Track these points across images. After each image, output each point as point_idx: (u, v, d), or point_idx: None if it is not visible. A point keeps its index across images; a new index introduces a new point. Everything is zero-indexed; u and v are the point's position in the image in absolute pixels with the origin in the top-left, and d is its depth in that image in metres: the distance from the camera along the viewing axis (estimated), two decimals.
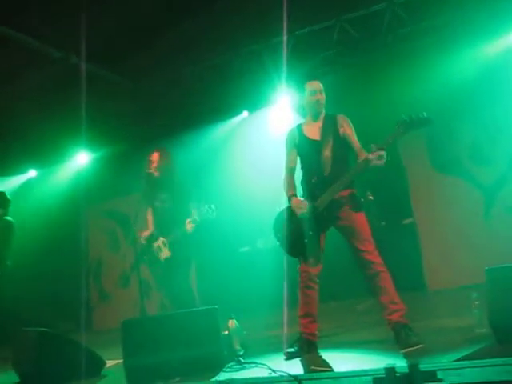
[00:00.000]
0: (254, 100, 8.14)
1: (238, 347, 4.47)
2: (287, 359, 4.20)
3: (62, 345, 4.87)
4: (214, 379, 3.90)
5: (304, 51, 7.20)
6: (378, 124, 6.00)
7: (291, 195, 4.33)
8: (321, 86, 4.42)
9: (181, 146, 7.35)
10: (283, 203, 4.45)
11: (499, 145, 6.87)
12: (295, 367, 3.85)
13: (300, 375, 3.39)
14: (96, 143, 8.84)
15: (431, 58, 6.79)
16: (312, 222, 4.19)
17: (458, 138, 7.15)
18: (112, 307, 9.52)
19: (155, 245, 5.42)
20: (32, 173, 9.95)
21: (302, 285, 4.24)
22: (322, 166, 4.25)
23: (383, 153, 3.96)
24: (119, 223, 9.77)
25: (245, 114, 8.60)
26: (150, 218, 5.59)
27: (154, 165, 5.41)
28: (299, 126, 4.51)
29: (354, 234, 4.17)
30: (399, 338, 3.94)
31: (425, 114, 4.00)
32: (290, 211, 4.30)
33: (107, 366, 5.03)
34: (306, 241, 4.18)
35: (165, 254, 5.37)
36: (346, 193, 4.19)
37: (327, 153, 4.26)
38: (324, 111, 4.44)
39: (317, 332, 4.27)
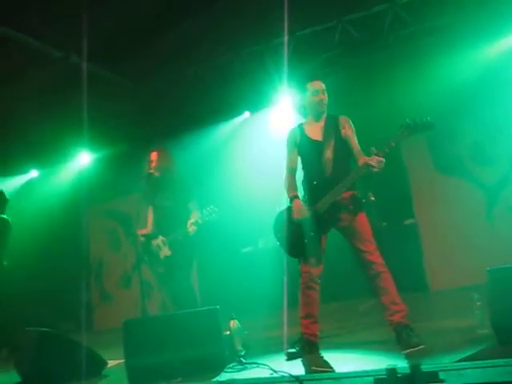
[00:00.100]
0: (255, 101, 8.14)
1: (239, 347, 4.47)
2: (288, 360, 4.19)
3: (63, 345, 4.87)
4: (215, 379, 3.90)
5: (305, 52, 7.20)
6: (379, 125, 6.03)
7: (293, 197, 4.31)
8: (323, 86, 4.41)
9: (182, 147, 7.35)
10: (284, 203, 4.45)
11: (501, 145, 6.87)
12: (296, 368, 3.84)
13: (301, 376, 3.39)
14: (97, 143, 8.84)
15: (433, 59, 6.79)
16: (313, 223, 4.18)
17: (460, 139, 7.15)
18: (113, 307, 9.53)
19: (154, 243, 5.41)
20: (33, 173, 9.97)
21: (303, 285, 4.23)
22: (324, 167, 4.24)
23: (382, 159, 3.96)
24: (120, 223, 9.78)
25: (246, 114, 8.61)
26: (150, 216, 5.58)
27: (153, 165, 5.41)
28: (300, 126, 4.49)
29: (356, 234, 4.16)
30: (401, 338, 3.93)
31: (429, 118, 4.00)
32: (291, 212, 4.30)
33: (108, 366, 5.02)
34: (306, 241, 4.17)
35: (164, 252, 5.36)
36: (347, 194, 4.18)
37: (329, 153, 4.25)
38: (326, 112, 4.43)
39: (318, 333, 4.26)
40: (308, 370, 3.81)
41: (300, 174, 4.45)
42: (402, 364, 2.84)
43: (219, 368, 4.15)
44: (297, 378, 3.22)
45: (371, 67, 7.21)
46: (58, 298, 9.20)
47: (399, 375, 2.59)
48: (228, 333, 4.56)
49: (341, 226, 4.23)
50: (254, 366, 4.09)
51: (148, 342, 4.43)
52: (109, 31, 6.23)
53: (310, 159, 4.37)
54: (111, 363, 5.11)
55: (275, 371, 3.61)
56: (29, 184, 9.89)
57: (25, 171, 9.86)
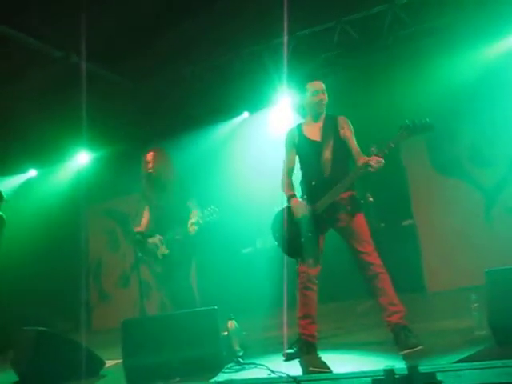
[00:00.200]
0: (254, 101, 8.14)
1: (237, 348, 4.48)
2: (286, 360, 4.20)
3: (61, 344, 4.87)
4: (213, 380, 3.90)
5: (305, 52, 7.21)
6: (378, 126, 6.03)
7: (291, 195, 4.33)
8: (323, 86, 4.41)
9: (181, 147, 7.35)
10: (283, 204, 4.45)
11: (499, 146, 6.87)
12: (294, 368, 3.85)
13: (299, 376, 3.39)
14: (96, 143, 8.84)
15: (432, 59, 6.79)
16: (311, 223, 4.19)
17: (458, 140, 7.15)
18: (112, 307, 9.52)
19: (151, 241, 5.40)
20: (32, 172, 9.95)
21: (301, 286, 4.24)
22: (322, 167, 4.24)
23: (382, 160, 3.97)
24: (119, 223, 9.77)
25: (245, 114, 8.61)
26: (145, 215, 5.58)
27: (150, 165, 5.41)
28: (299, 126, 4.50)
29: (354, 235, 4.17)
30: (398, 339, 3.94)
31: (428, 119, 4.00)
32: (289, 211, 4.30)
33: (106, 365, 5.03)
34: (303, 240, 4.18)
35: (162, 251, 5.36)
36: (346, 195, 4.19)
37: (327, 154, 4.25)
38: (325, 112, 4.44)
39: (316, 333, 4.26)
40: (306, 371, 3.81)
41: (297, 175, 4.45)
42: (399, 365, 2.84)
43: (217, 368, 4.16)
44: (294, 378, 3.22)
45: (370, 68, 7.20)
46: (56, 297, 9.19)
47: (397, 376, 2.59)
48: (226, 333, 4.56)
49: (339, 227, 4.23)
50: (252, 366, 4.09)
51: (146, 342, 4.43)
52: (109, 31, 6.23)
53: (308, 159, 4.37)
54: (109, 363, 5.11)
55: (273, 372, 3.61)
56: (27, 183, 9.88)
57: (23, 170, 9.84)
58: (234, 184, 8.21)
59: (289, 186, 4.40)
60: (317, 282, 4.25)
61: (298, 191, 4.40)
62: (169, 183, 5.38)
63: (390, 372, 2.60)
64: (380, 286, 4.07)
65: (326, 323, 5.19)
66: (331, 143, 4.28)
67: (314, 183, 4.26)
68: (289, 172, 4.45)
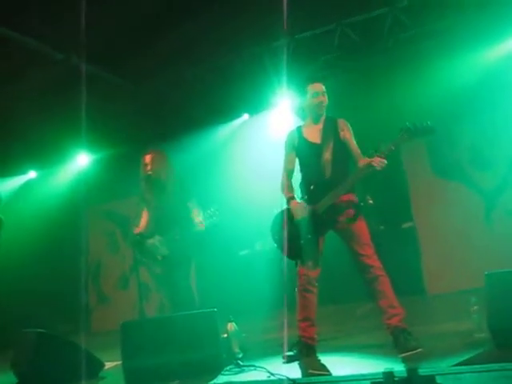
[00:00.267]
0: (254, 103, 8.14)
1: (236, 350, 4.47)
2: (286, 362, 4.19)
3: (61, 346, 4.87)
4: (212, 382, 3.90)
5: (305, 55, 7.20)
6: (378, 128, 6.03)
7: (290, 197, 4.34)
8: (323, 88, 4.41)
9: (181, 148, 7.34)
10: (283, 206, 4.45)
11: (499, 149, 6.87)
12: (294, 371, 3.85)
13: (298, 379, 3.40)
14: (96, 145, 8.83)
15: (432, 62, 6.79)
16: (311, 225, 4.19)
17: (459, 142, 7.16)
18: (111, 309, 9.50)
19: (150, 242, 5.39)
20: (32, 174, 9.93)
21: (301, 288, 4.24)
22: (322, 169, 4.24)
23: (384, 160, 3.98)
24: (119, 225, 9.76)
25: (245, 116, 8.60)
26: (144, 216, 5.58)
27: (149, 167, 5.41)
28: (299, 129, 4.50)
29: (354, 237, 4.17)
30: (398, 342, 3.93)
31: (429, 122, 4.00)
32: (288, 213, 4.30)
33: (106, 367, 5.02)
34: (303, 242, 4.17)
35: (161, 251, 5.36)
36: (346, 197, 4.19)
37: (327, 156, 4.26)
38: (325, 114, 4.44)
39: (315, 336, 4.26)
40: (305, 373, 3.81)
41: (297, 177, 4.45)
42: (399, 368, 2.83)
43: (216, 370, 4.15)
44: (294, 381, 3.22)
45: (371, 70, 7.21)
46: (55, 299, 9.18)
47: (396, 379, 2.59)
48: (225, 335, 4.55)
49: (339, 229, 4.23)
50: (252, 368, 4.09)
51: (145, 344, 4.43)
52: (109, 32, 6.23)
53: (308, 161, 4.37)
54: (108, 365, 5.11)
55: (272, 374, 3.61)
56: (27, 185, 9.87)
57: (23, 172, 9.83)
58: (234, 186, 8.20)
59: (288, 188, 4.40)
60: (317, 284, 4.25)
61: (298, 193, 4.40)
62: (168, 184, 5.38)
63: (389, 375, 2.60)
64: (380, 289, 4.06)
65: (325, 325, 5.18)
66: (331, 145, 4.28)
67: (314, 185, 4.26)
68: (288, 174, 4.45)
